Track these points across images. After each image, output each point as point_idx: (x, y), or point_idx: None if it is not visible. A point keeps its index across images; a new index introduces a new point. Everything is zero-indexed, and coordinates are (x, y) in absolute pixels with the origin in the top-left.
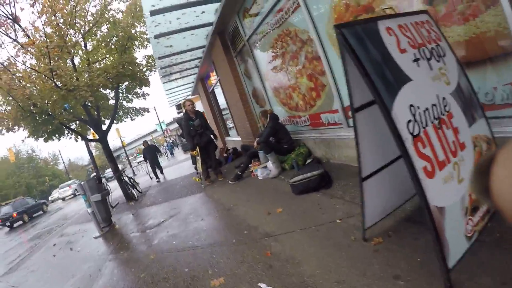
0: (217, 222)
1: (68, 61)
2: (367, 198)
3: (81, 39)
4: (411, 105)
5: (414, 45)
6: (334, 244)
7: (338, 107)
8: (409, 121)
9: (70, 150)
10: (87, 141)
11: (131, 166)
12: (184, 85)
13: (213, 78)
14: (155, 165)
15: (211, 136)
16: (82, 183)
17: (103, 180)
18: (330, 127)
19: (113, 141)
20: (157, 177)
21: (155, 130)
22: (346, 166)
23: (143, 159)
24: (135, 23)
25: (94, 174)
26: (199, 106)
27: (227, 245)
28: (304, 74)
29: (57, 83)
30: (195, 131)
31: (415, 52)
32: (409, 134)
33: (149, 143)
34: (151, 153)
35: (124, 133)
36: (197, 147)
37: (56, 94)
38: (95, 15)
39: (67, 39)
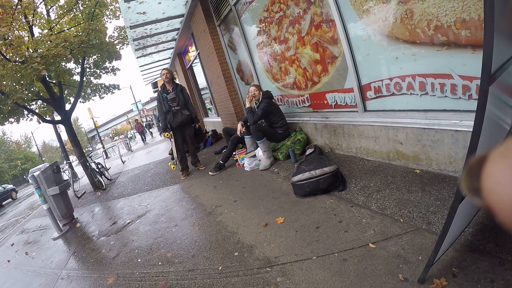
0: (196, 232)
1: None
2: (455, 222)
3: (42, 3)
4: None
5: None
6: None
7: (354, 85)
8: None
9: (44, 131)
10: (48, 123)
11: (103, 148)
12: (160, 60)
13: (192, 53)
14: None
15: (190, 116)
16: (36, 174)
17: (67, 166)
18: (338, 110)
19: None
20: None
21: (131, 110)
22: (357, 159)
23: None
24: None
25: (55, 162)
26: None
27: (211, 275)
28: (307, 43)
29: (5, 54)
30: (168, 107)
31: None
32: None
33: None
34: None
35: (97, 113)
36: (169, 129)
37: (5, 67)
38: None
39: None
